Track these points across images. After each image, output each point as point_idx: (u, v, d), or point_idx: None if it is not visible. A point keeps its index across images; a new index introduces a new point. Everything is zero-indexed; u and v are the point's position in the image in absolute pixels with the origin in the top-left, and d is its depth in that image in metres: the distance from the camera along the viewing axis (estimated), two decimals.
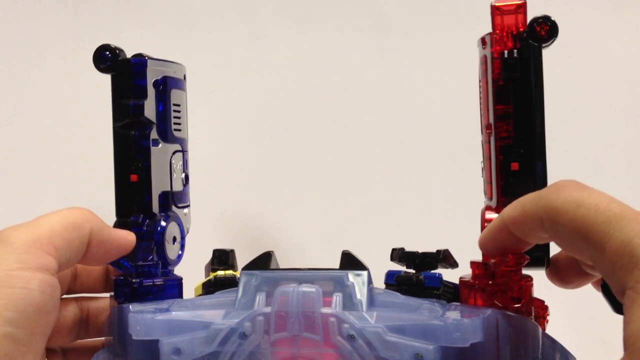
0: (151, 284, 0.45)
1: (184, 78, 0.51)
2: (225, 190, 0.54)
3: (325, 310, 0.40)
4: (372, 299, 0.41)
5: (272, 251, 0.45)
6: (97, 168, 0.59)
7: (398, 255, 0.45)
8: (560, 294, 0.44)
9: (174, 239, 0.49)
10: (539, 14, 0.42)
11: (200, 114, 0.65)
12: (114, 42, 0.47)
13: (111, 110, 0.47)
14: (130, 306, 0.43)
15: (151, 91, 0.48)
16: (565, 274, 0.43)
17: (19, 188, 0.66)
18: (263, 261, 0.44)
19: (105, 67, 0.47)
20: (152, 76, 0.48)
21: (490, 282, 0.40)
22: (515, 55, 0.42)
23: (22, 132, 0.65)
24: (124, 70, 0.47)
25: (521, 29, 0.42)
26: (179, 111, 0.50)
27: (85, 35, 0.67)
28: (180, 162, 0.50)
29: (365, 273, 0.41)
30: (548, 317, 0.42)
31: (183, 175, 0.51)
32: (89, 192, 0.61)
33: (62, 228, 0.41)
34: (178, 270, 0.49)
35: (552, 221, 0.35)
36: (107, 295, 0.48)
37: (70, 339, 0.47)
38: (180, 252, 0.50)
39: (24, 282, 0.37)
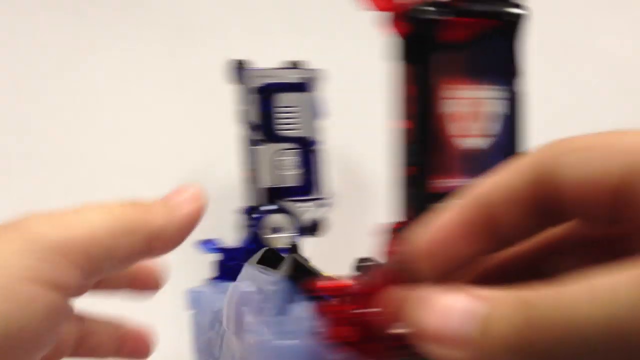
0: (230, 265, 0.53)
1: (302, 80, 0.55)
2: (225, 190, 0.54)
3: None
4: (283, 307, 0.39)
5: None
6: (96, 168, 0.65)
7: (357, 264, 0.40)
8: None
9: (278, 229, 0.54)
10: (539, 13, 0.41)
11: (200, 114, 0.67)
12: (113, 42, 0.51)
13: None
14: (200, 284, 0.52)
15: (254, 97, 0.54)
16: None
17: (19, 188, 0.66)
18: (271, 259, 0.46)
19: (232, 79, 0.55)
20: (254, 83, 0.54)
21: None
22: None
23: (22, 132, 0.67)
24: (240, 81, 0.55)
25: None
26: (286, 112, 0.54)
27: (85, 35, 0.66)
28: (291, 159, 0.54)
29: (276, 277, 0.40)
30: None
31: (296, 170, 0.54)
32: (88, 192, 0.58)
33: (106, 232, 0.28)
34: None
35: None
36: None
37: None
38: (285, 242, 0.54)
39: (23, 300, 0.26)
